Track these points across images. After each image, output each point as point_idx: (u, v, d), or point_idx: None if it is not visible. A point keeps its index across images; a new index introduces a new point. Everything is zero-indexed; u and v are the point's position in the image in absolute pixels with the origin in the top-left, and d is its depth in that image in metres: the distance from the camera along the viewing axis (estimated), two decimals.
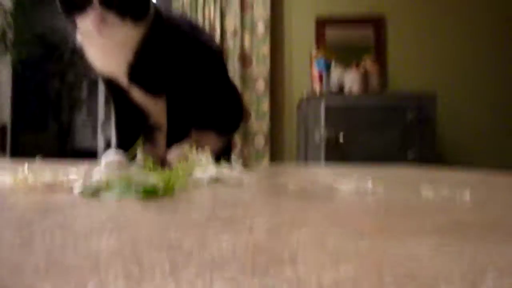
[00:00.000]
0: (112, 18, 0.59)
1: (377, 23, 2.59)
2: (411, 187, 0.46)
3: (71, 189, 0.38)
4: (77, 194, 0.37)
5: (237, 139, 2.43)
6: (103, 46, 0.66)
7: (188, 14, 2.54)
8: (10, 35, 2.36)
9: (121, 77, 0.69)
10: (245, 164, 0.63)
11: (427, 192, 0.39)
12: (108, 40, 0.62)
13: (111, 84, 0.72)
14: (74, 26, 0.62)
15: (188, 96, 0.74)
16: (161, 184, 0.36)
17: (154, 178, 0.38)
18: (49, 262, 0.16)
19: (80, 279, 0.14)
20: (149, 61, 0.68)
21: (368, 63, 2.34)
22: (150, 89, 0.72)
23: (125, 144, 0.72)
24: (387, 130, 2.07)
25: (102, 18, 0.58)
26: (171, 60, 0.70)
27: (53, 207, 0.31)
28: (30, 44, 2.80)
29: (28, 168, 0.42)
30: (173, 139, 0.72)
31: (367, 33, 2.61)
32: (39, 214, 0.28)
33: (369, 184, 0.43)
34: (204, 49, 0.78)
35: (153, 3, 0.67)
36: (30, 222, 0.25)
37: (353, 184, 0.43)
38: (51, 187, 0.40)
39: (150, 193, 0.35)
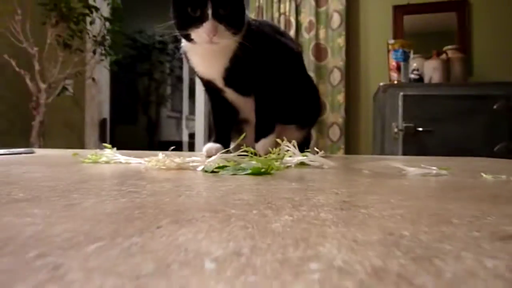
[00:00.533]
0: (221, 29, 0.73)
1: (460, 7, 2.47)
2: (475, 173, 0.52)
3: (195, 169, 0.51)
4: (200, 171, 0.50)
5: (313, 130, 2.50)
6: (206, 54, 0.80)
7: (264, 10, 2.65)
8: (108, 39, 2.68)
9: (218, 80, 0.83)
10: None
11: (486, 176, 0.45)
12: (215, 47, 0.75)
13: (209, 86, 0.87)
14: (185, 37, 0.76)
15: (274, 95, 0.85)
16: (262, 165, 0.48)
17: (256, 161, 0.50)
18: (205, 206, 0.28)
19: (231, 216, 0.25)
20: (242, 66, 0.80)
21: (450, 50, 2.25)
22: (242, 90, 0.84)
23: (222, 135, 0.87)
24: (471, 120, 1.97)
25: (215, 28, 0.72)
26: (260, 64, 0.82)
27: (188, 178, 0.44)
28: (124, 46, 3.16)
29: (162, 154, 0.56)
30: (261, 132, 0.84)
31: (448, 19, 2.50)
32: (181, 183, 0.40)
33: (434, 169, 0.50)
34: (286, 51, 0.88)
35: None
36: (179, 188, 0.37)
37: (420, 169, 0.50)
38: (180, 168, 0.53)
39: (255, 172, 0.46)
